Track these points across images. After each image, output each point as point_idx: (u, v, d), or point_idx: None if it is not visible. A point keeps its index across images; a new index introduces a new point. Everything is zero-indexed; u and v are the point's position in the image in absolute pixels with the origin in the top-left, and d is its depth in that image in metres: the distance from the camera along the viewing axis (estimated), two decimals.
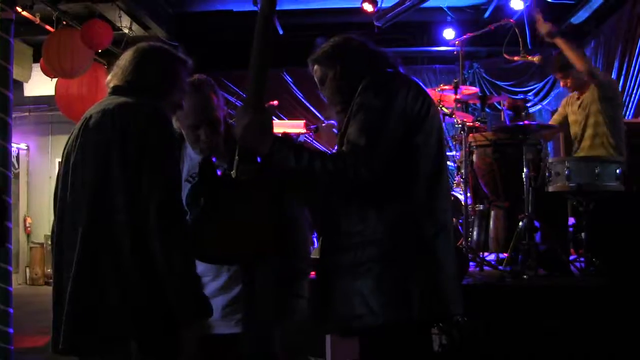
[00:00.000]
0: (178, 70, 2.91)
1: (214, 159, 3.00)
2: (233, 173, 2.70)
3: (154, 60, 2.87)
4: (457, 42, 7.18)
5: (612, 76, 9.39)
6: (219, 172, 2.93)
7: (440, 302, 2.69)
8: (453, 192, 7.49)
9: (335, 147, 2.90)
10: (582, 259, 5.23)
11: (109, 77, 2.88)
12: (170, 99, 2.86)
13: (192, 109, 3.16)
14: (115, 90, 2.80)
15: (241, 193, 2.76)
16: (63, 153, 2.79)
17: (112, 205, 2.52)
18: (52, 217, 2.81)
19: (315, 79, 2.98)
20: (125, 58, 2.87)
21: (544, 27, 6.00)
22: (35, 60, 10.72)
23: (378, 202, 2.63)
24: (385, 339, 2.66)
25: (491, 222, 6.31)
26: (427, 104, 2.71)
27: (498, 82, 11.76)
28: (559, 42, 5.93)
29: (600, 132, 5.99)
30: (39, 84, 11.38)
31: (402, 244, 2.61)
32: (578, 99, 6.28)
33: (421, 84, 2.81)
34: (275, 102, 8.04)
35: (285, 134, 2.71)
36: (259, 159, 2.65)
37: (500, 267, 5.26)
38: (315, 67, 2.94)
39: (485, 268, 5.48)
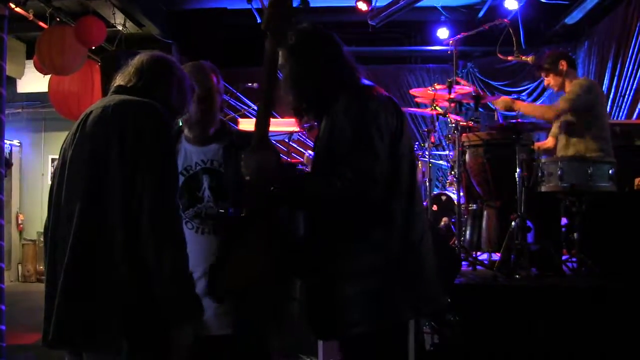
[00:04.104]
0: (188, 91, 2.92)
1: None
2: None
3: (169, 73, 2.87)
4: (451, 42, 7.16)
5: (606, 77, 9.41)
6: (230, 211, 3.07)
7: (431, 299, 2.79)
8: (446, 192, 7.51)
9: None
10: (574, 259, 5.25)
11: (116, 79, 2.86)
12: (173, 106, 2.86)
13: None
14: (119, 90, 2.79)
15: (247, 230, 2.82)
16: (60, 150, 2.77)
17: (107, 200, 2.51)
18: (44, 214, 2.80)
19: None
20: (137, 63, 2.86)
21: (499, 103, 6.03)
22: (29, 57, 10.68)
23: (370, 214, 2.66)
24: (375, 342, 2.70)
25: (484, 222, 6.32)
26: (400, 116, 2.77)
27: (492, 82, 11.78)
28: (520, 106, 5.98)
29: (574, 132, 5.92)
30: (32, 81, 11.33)
31: (395, 252, 2.65)
32: None
33: (385, 93, 2.83)
34: None
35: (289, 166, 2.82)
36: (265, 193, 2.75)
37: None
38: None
39: (478, 267, 5.49)
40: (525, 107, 6.04)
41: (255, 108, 9.20)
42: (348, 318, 2.65)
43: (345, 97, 2.71)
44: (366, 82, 2.87)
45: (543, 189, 5.21)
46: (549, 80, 6.07)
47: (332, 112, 2.73)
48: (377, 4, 9.57)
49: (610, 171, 5.03)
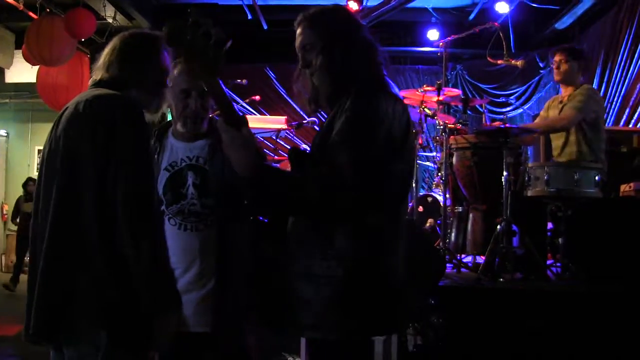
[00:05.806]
0: (159, 53, 2.89)
1: None
2: None
3: (134, 47, 2.85)
4: (441, 44, 7.16)
5: (594, 82, 9.42)
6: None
7: (398, 313, 2.62)
8: (432, 193, 7.52)
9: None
10: (558, 264, 5.26)
11: (94, 72, 2.86)
12: (154, 86, 2.84)
13: (185, 75, 3.21)
14: (96, 84, 2.79)
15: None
16: (44, 145, 2.78)
17: (81, 195, 2.50)
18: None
19: (297, 43, 2.76)
20: (107, 50, 2.85)
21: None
22: (18, 47, 10.66)
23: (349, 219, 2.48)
24: (338, 351, 2.54)
25: (469, 225, 6.33)
26: (408, 122, 2.58)
27: (480, 85, 11.82)
28: (530, 126, 5.88)
29: (579, 139, 5.89)
30: (21, 71, 11.32)
31: (368, 261, 2.48)
32: (561, 102, 6.02)
33: (400, 96, 2.67)
34: (258, 97, 8.04)
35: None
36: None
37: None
38: (302, 29, 2.73)
39: (462, 270, 5.50)
40: (534, 125, 5.98)
41: (244, 105, 9.22)
42: (302, 319, 2.49)
43: (355, 92, 2.52)
44: (385, 78, 2.74)
45: (529, 193, 5.21)
46: (565, 67, 5.98)
47: (338, 107, 2.53)
48: (368, 4, 9.58)
49: (596, 177, 5.04)
